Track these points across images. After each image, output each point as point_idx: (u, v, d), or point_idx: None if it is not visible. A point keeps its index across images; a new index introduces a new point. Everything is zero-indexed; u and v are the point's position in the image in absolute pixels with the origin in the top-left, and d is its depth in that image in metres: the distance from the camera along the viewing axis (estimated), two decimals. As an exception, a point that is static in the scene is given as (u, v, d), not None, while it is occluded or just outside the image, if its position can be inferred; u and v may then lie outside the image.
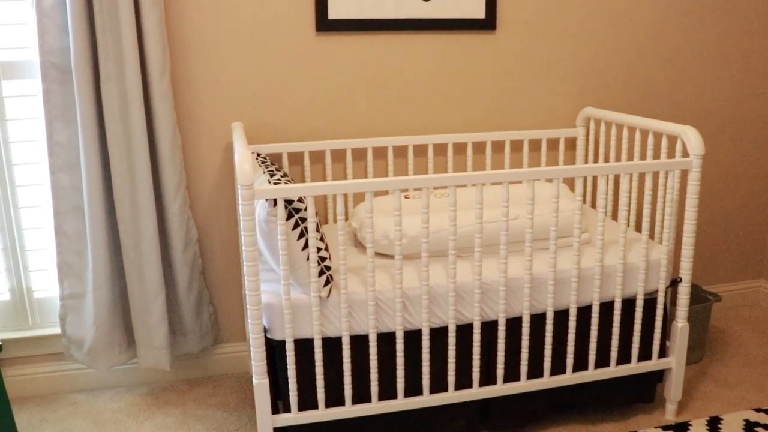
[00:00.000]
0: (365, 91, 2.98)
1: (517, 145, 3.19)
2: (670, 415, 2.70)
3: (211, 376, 3.10)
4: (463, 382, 2.45)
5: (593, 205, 3.16)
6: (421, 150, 3.08)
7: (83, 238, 2.75)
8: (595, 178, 3.14)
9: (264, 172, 2.34)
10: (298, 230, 2.17)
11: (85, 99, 2.56)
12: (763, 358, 3.16)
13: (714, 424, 2.65)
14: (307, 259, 2.20)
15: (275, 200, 2.11)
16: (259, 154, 2.71)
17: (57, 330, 2.93)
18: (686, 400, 2.82)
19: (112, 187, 2.68)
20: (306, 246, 2.19)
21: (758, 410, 2.74)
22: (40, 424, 2.75)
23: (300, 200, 2.16)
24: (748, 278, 3.73)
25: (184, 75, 2.79)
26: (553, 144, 3.22)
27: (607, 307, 2.53)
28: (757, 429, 2.62)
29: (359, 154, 3.02)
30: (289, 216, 2.15)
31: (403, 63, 2.98)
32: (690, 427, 2.63)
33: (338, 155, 3.00)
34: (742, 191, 3.57)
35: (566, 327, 2.50)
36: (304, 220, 2.17)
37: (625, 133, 2.84)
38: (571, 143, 3.23)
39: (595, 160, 3.19)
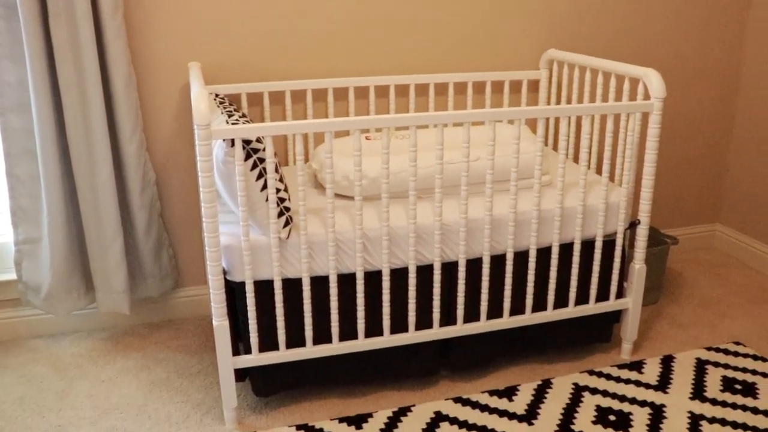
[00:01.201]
0: (326, 31, 2.92)
1: (479, 87, 3.17)
2: (625, 355, 2.76)
3: (172, 320, 3.09)
4: (424, 322, 2.47)
5: (555, 148, 3.17)
6: (382, 91, 3.05)
7: (37, 181, 2.69)
8: (557, 120, 3.14)
9: (222, 113, 2.30)
10: (256, 171, 2.14)
11: (32, 37, 2.47)
12: (717, 300, 3.23)
13: (667, 362, 2.71)
14: (266, 200, 2.18)
15: (233, 140, 2.08)
16: (217, 95, 2.66)
17: (13, 276, 2.88)
18: (642, 340, 2.88)
19: (66, 128, 2.62)
20: (265, 187, 2.17)
21: (709, 349, 2.81)
22: (-3, 368, 2.73)
23: (258, 140, 2.13)
24: (704, 222, 3.79)
25: (140, 12, 2.71)
26: (515, 86, 3.21)
27: (566, 249, 2.56)
28: (707, 366, 2.69)
29: (320, 95, 2.98)
30: (248, 156, 2.12)
31: (364, 2, 2.93)
32: (644, 366, 2.69)
33: (298, 96, 2.96)
34: (701, 136, 3.61)
35: (526, 268, 2.52)
36: (262, 160, 2.15)
37: (588, 75, 2.83)
38: (534, 85, 3.23)
39: (558, 103, 3.19)
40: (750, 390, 2.54)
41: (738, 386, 2.56)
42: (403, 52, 3.04)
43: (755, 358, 2.74)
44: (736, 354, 2.77)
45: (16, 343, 2.91)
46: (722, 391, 2.54)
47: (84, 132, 2.63)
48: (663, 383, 2.58)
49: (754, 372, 2.65)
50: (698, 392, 2.53)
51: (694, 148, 3.61)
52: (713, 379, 2.60)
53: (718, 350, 2.80)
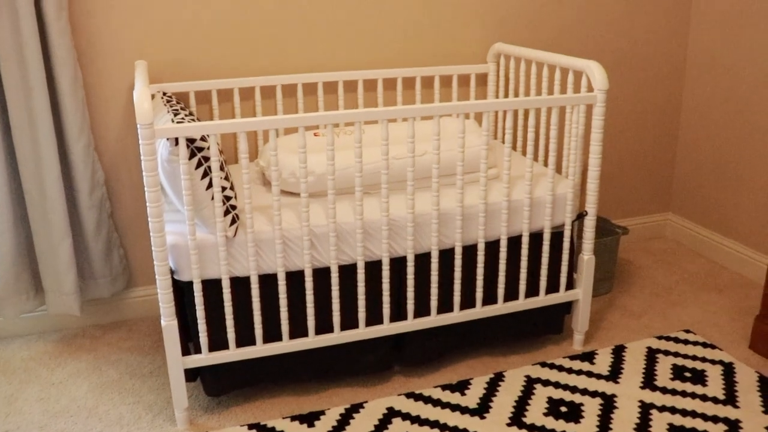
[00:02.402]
0: (273, 26, 2.91)
1: (428, 82, 3.18)
2: (577, 345, 2.79)
3: (125, 320, 3.06)
4: (374, 318, 2.47)
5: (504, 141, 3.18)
6: (331, 87, 3.04)
7: (-18, 182, 2.65)
8: (505, 113, 3.15)
9: (168, 111, 2.28)
10: (201, 169, 2.13)
11: (-26, 36, 2.44)
12: (668, 288, 3.28)
13: (619, 352, 2.74)
14: (212, 198, 2.17)
15: (177, 139, 2.06)
16: (165, 93, 2.64)
17: (-40, 278, 2.83)
18: (593, 330, 2.91)
19: (11, 128, 2.58)
20: (210, 185, 2.16)
21: (660, 337, 2.85)
22: (-55, 374, 2.68)
23: (203, 139, 2.12)
24: (656, 211, 3.84)
25: (85, 10, 2.67)
26: (464, 80, 3.22)
27: (515, 242, 2.57)
28: (657, 355, 2.72)
29: (268, 93, 2.97)
30: (192, 155, 2.10)
31: (312, -1, 2.93)
32: (596, 356, 2.72)
33: (247, 93, 2.95)
34: (649, 127, 3.65)
35: (475, 262, 2.54)
36: (207, 159, 2.13)
37: (534, 69, 2.85)
38: (482, 79, 3.24)
39: (506, 96, 3.20)
40: (699, 377, 2.58)
41: (687, 374, 2.60)
42: (351, 47, 3.03)
43: (705, 345, 2.78)
44: (686, 342, 2.81)
45: (-36, 348, 2.87)
46: (672, 379, 2.57)
47: (30, 132, 2.59)
48: (614, 373, 2.61)
49: (703, 359, 2.69)
50: (649, 381, 2.56)
51: (643, 138, 3.66)
52: (663, 368, 2.64)
53: (668, 339, 2.84)
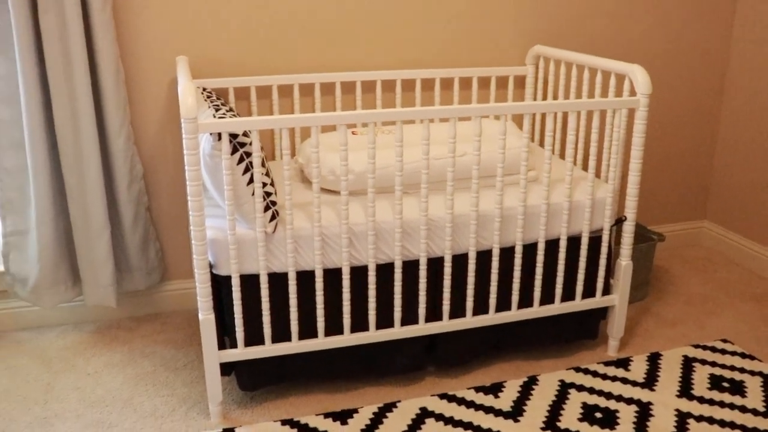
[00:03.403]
0: (312, 26, 2.92)
1: (466, 83, 3.17)
2: (612, 352, 2.77)
3: (159, 313, 3.08)
4: (409, 318, 2.47)
5: (542, 144, 3.17)
6: (369, 86, 3.05)
7: (25, 173, 2.68)
8: (543, 116, 3.14)
9: (209, 107, 2.30)
10: (243, 165, 2.14)
11: (22, 30, 2.47)
12: (704, 297, 3.24)
13: (654, 359, 2.72)
14: (253, 194, 2.18)
15: (220, 134, 2.08)
16: (204, 89, 2.66)
17: (0, 267, 2.87)
18: (628, 337, 2.88)
19: (54, 121, 2.61)
20: (251, 181, 2.17)
21: (696, 346, 2.81)
22: (-17, 361, 2.72)
23: (245, 134, 2.13)
24: (692, 219, 3.80)
25: (128, 7, 2.70)
26: (502, 82, 3.21)
27: (552, 245, 2.56)
28: (694, 364, 2.69)
29: (307, 90, 2.98)
30: (234, 150, 2.12)
31: (353, -2, 2.93)
32: (631, 363, 2.69)
33: (285, 91, 2.96)
34: (688, 132, 3.61)
35: (512, 264, 2.52)
36: (249, 154, 2.14)
37: (574, 71, 2.83)
38: (520, 81, 3.23)
39: (544, 98, 3.19)
40: (738, 388, 2.55)
41: (725, 384, 2.57)
42: (389, 47, 3.03)
43: (743, 356, 2.75)
44: (723, 352, 2.78)
45: (1, 336, 2.90)
46: (710, 389, 2.54)
47: (72, 125, 2.62)
48: (650, 380, 2.58)
49: (741, 370, 2.66)
50: (685, 390, 2.53)
51: (681, 144, 3.62)
52: (700, 377, 2.61)
53: (705, 348, 2.81)
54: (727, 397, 2.49)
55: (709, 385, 2.56)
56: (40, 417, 2.39)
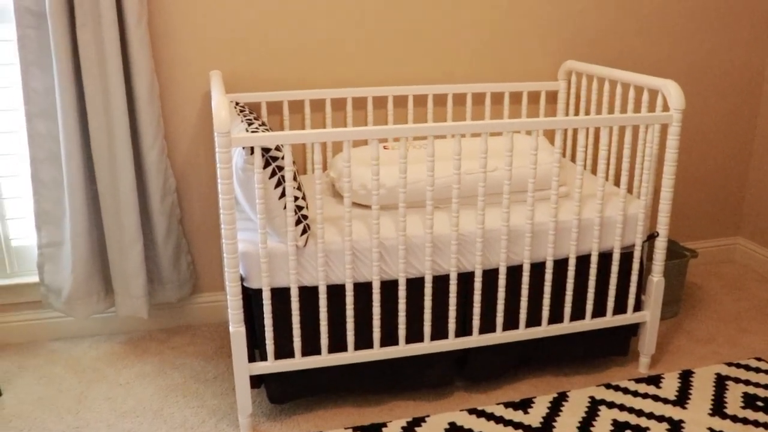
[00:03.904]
0: (345, 41, 2.94)
1: (497, 98, 3.18)
2: (643, 369, 2.74)
3: (189, 325, 3.11)
4: (439, 332, 2.46)
5: (573, 159, 3.16)
6: (401, 101, 3.06)
7: (60, 186, 2.73)
8: (575, 132, 3.13)
9: (242, 121, 2.32)
10: (275, 179, 2.16)
11: (60, 45, 2.52)
12: (737, 315, 3.20)
13: (686, 377, 2.69)
14: (284, 207, 2.19)
15: (252, 148, 2.10)
16: (237, 103, 2.68)
17: (35, 278, 2.91)
18: (660, 354, 2.86)
19: (89, 135, 2.65)
20: (283, 195, 2.18)
21: (729, 364, 2.78)
22: (18, 371, 2.75)
23: (278, 148, 2.15)
24: (725, 235, 3.76)
25: (163, 21, 2.74)
26: (533, 97, 3.21)
27: (583, 261, 2.55)
28: (727, 382, 2.66)
29: (339, 105, 3.00)
30: (267, 164, 2.13)
31: (384, 12, 2.94)
32: (662, 380, 2.67)
33: (317, 105, 2.98)
34: (721, 147, 3.58)
35: (542, 279, 2.51)
36: (281, 168, 2.16)
37: (606, 86, 2.83)
38: (552, 96, 3.22)
39: (576, 114, 3.18)
40: (771, 407, 2.52)
41: (760, 403, 2.53)
42: (421, 62, 3.05)
43: (776, 374, 2.72)
44: (757, 370, 2.74)
45: (36, 345, 2.94)
46: (743, 407, 2.51)
47: (107, 138, 2.66)
48: (681, 398, 2.56)
49: (775, 389, 2.63)
50: (718, 408, 2.50)
51: (714, 160, 3.59)
52: (734, 396, 2.58)
53: (738, 366, 2.77)
54: (761, 416, 2.46)
55: (742, 404, 2.53)
56: (72, 426, 2.42)
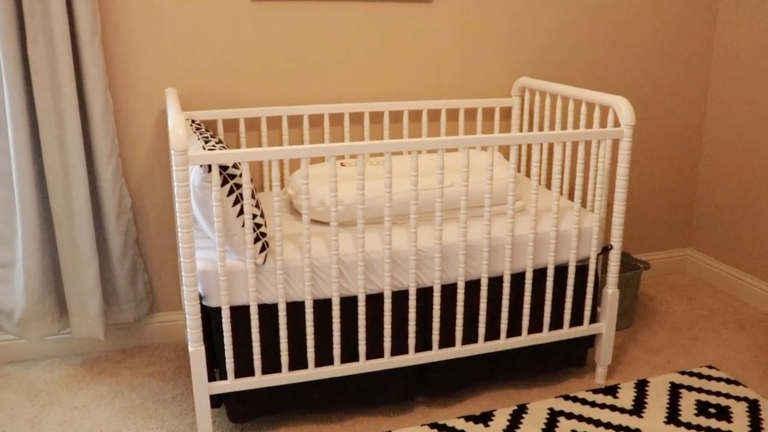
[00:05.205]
0: (301, 58, 2.95)
1: (453, 114, 3.22)
2: (600, 379, 2.78)
3: (147, 345, 3.07)
4: (399, 347, 2.47)
5: (528, 174, 3.21)
6: (357, 118, 3.07)
7: (12, 205, 2.68)
8: (529, 147, 3.18)
9: (199, 139, 2.31)
10: (233, 196, 2.15)
11: (10, 60, 2.48)
12: (689, 324, 3.27)
13: (642, 386, 2.74)
14: (243, 225, 2.19)
15: (210, 166, 2.09)
16: (193, 121, 2.67)
17: (-15, 300, 2.85)
18: (616, 364, 2.90)
19: (42, 152, 2.61)
20: (241, 212, 2.18)
21: (683, 373, 2.84)
22: (-32, 395, 2.69)
23: (235, 166, 2.14)
24: (676, 246, 3.84)
25: (117, 38, 2.72)
26: (488, 113, 3.25)
27: (540, 274, 2.58)
28: (681, 390, 2.71)
29: (295, 122, 3.00)
30: (224, 182, 2.13)
31: (339, 31, 2.96)
32: (619, 390, 2.71)
33: (274, 122, 2.98)
34: (671, 161, 3.67)
35: (500, 293, 2.54)
36: (239, 186, 2.16)
37: (559, 103, 2.88)
38: (506, 113, 3.27)
39: (530, 129, 3.23)
40: (724, 414, 2.57)
41: (712, 410, 2.59)
42: (377, 79, 3.07)
43: (728, 381, 2.77)
44: (709, 378, 2.80)
45: (-13, 370, 2.88)
46: (697, 414, 2.56)
47: (60, 156, 2.63)
48: (638, 407, 2.60)
49: (727, 396, 2.68)
50: (673, 416, 2.55)
51: (664, 173, 3.67)
52: (688, 403, 2.63)
53: (692, 374, 2.83)
54: (714, 423, 2.51)
55: (696, 411, 2.58)
56: (27, 452, 2.37)
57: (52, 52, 2.53)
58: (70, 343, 2.98)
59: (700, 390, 2.72)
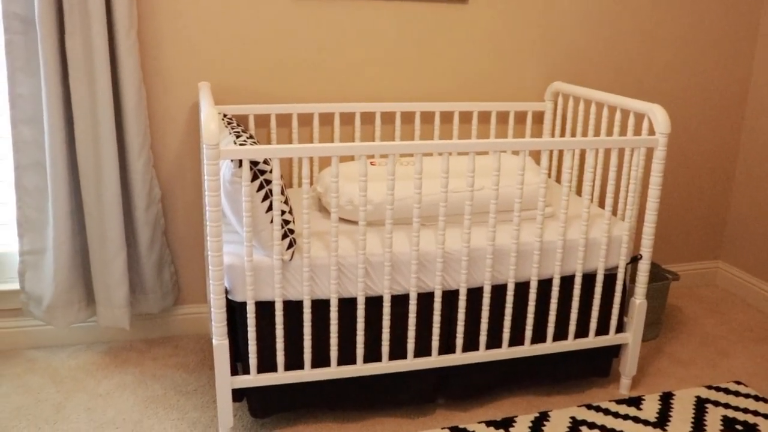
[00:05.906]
0: (335, 57, 2.95)
1: (484, 117, 3.20)
2: (624, 390, 2.75)
3: (171, 337, 3.09)
4: (423, 350, 2.46)
5: (558, 180, 3.18)
6: (388, 117, 3.07)
7: (44, 193, 2.71)
8: (561, 153, 3.16)
9: (230, 133, 2.32)
10: (262, 192, 2.16)
11: (48, 52, 2.51)
12: (717, 337, 3.22)
13: (666, 399, 2.70)
14: (271, 221, 2.19)
15: (240, 161, 2.09)
16: (225, 115, 2.68)
17: (16, 286, 2.88)
18: (641, 375, 2.87)
19: (75, 142, 2.64)
20: (270, 208, 2.18)
21: (709, 387, 2.80)
22: (-5, 379, 2.73)
23: (266, 162, 2.14)
24: (706, 259, 3.79)
25: (153, 31, 2.74)
26: (520, 117, 3.23)
27: (567, 281, 2.56)
28: (707, 405, 2.67)
29: (326, 119, 3.01)
30: (254, 177, 2.13)
31: (373, 30, 2.96)
32: (643, 402, 2.68)
33: (305, 119, 2.98)
34: (704, 172, 3.62)
35: (526, 299, 2.52)
36: (269, 182, 2.16)
37: (593, 109, 2.85)
38: (538, 117, 3.24)
39: (562, 135, 3.20)
40: (752, 431, 2.52)
41: (739, 426, 2.55)
42: (409, 80, 3.06)
43: (756, 398, 2.73)
44: (737, 394, 2.76)
45: (15, 353, 2.91)
46: (723, 430, 2.52)
47: (93, 147, 2.65)
48: (662, 420, 2.57)
49: (755, 413, 2.63)
50: (698, 431, 2.51)
51: (697, 184, 3.62)
52: (713, 419, 2.59)
53: (718, 389, 2.79)
54: (740, 441, 2.48)
55: (722, 427, 2.54)
56: (51, 437, 2.40)
57: (89, 45, 2.55)
58: (96, 331, 3.01)
59: (726, 405, 2.68)
